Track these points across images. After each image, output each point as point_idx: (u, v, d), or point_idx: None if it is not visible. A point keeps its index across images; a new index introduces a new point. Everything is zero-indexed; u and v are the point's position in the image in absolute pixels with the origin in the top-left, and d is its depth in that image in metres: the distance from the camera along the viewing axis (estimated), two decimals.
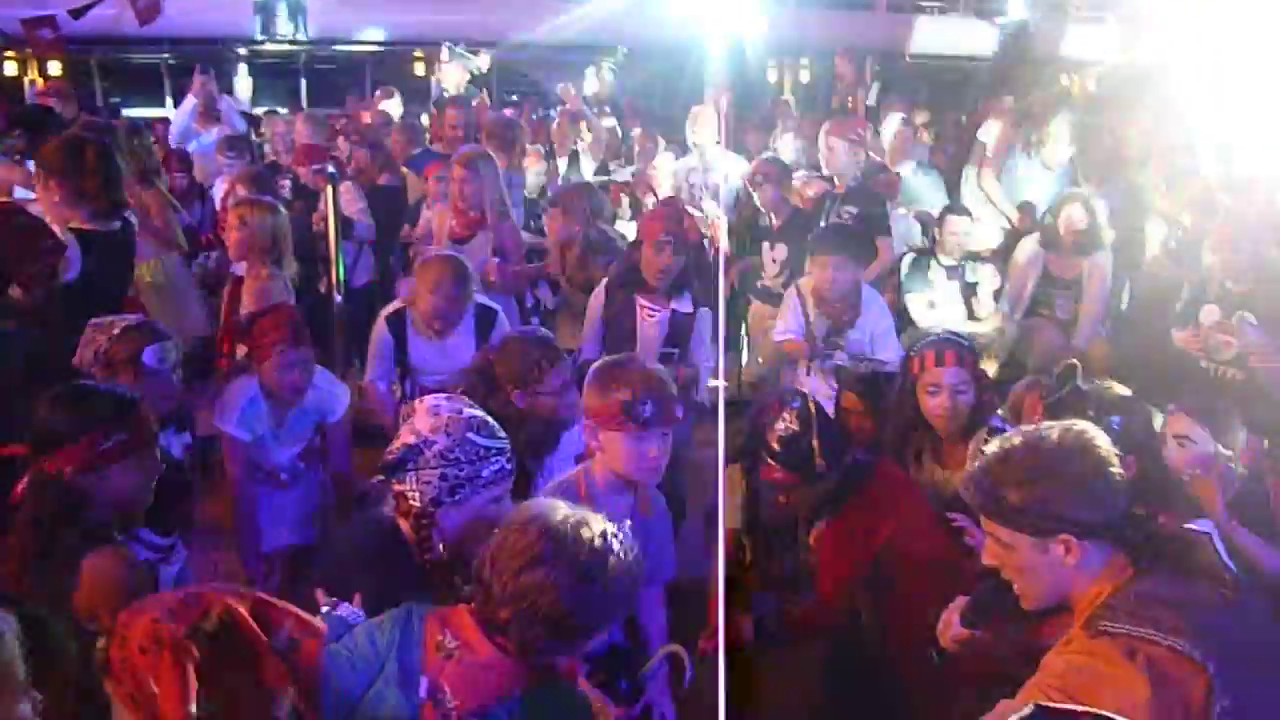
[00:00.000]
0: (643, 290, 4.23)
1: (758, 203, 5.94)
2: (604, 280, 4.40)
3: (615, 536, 1.92)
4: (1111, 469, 2.02)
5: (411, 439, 2.30)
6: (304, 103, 12.63)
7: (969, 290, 6.20)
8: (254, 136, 8.22)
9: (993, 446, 2.10)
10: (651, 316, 4.22)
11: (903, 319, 6.04)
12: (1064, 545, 1.99)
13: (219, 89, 7.92)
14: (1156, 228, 6.45)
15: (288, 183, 6.22)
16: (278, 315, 3.86)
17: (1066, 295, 6.17)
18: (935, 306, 6.12)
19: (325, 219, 5.48)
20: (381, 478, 2.39)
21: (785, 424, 3.01)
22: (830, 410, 4.34)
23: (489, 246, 5.11)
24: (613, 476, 2.76)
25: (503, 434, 2.38)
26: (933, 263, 6.25)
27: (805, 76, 9.93)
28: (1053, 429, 2.09)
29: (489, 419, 2.38)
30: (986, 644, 2.27)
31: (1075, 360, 3.38)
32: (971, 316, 6.17)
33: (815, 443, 2.96)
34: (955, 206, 6.47)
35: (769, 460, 3.02)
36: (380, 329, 4.34)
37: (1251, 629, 2.05)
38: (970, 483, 2.10)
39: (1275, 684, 1.95)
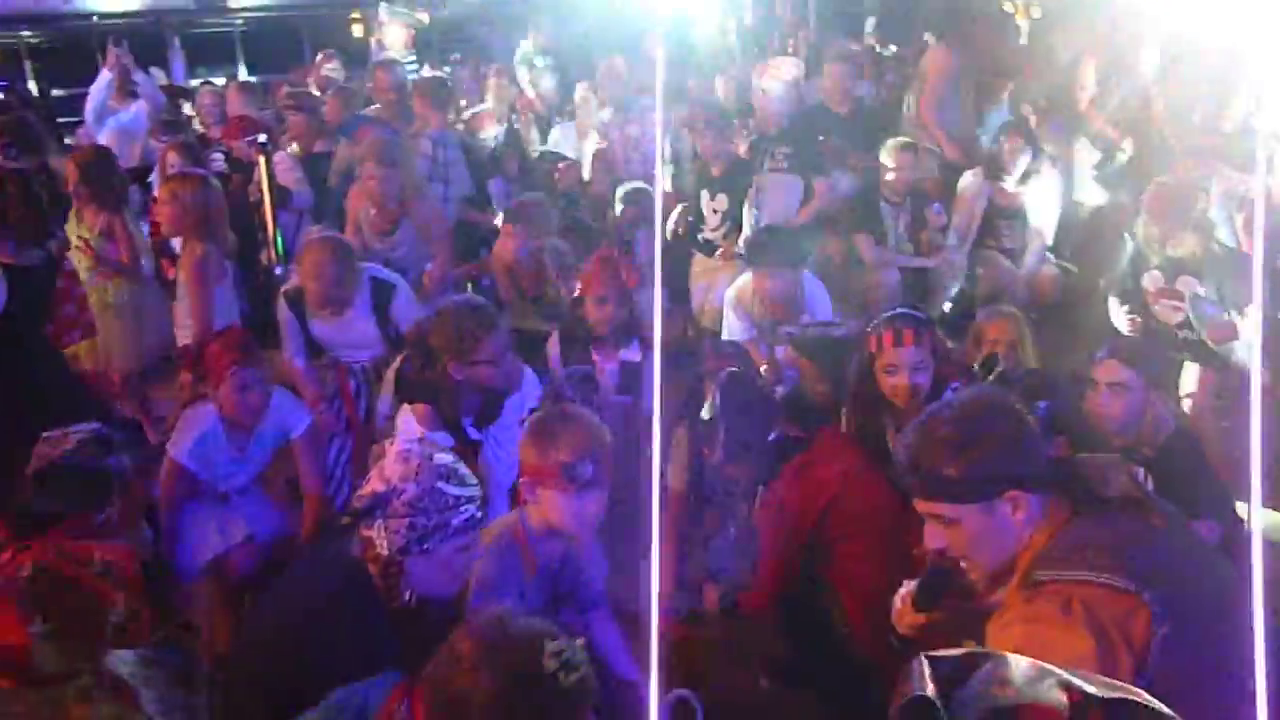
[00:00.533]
0: (592, 342, 4.25)
1: (698, 151, 5.89)
2: (555, 332, 4.41)
3: (562, 652, 1.79)
4: (1027, 419, 2.06)
5: (380, 486, 2.27)
6: (243, 73, 12.38)
7: (916, 226, 6.19)
8: (190, 111, 8.05)
9: (908, 433, 2.10)
10: (603, 370, 4.22)
11: (850, 257, 6.05)
12: (1011, 502, 2.00)
13: (154, 63, 7.74)
14: (1089, 152, 6.44)
15: (220, 156, 6.08)
16: (227, 338, 3.81)
17: (1012, 224, 6.19)
18: (882, 242, 6.11)
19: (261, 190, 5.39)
20: (348, 520, 2.36)
21: (705, 409, 3.10)
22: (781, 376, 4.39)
23: (414, 234, 5.06)
24: (549, 527, 2.73)
25: (473, 480, 2.35)
26: (880, 200, 6.23)
27: (749, 19, 9.80)
28: (960, 399, 2.10)
29: (459, 466, 2.35)
30: (943, 625, 2.26)
31: (996, 351, 3.38)
32: (918, 252, 6.16)
33: (723, 429, 3.04)
34: (898, 140, 6.44)
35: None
36: (282, 308, 4.32)
37: (1183, 554, 2.07)
38: (903, 471, 2.10)
39: (1213, 602, 1.95)
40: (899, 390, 3.17)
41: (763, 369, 4.33)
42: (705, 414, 3.18)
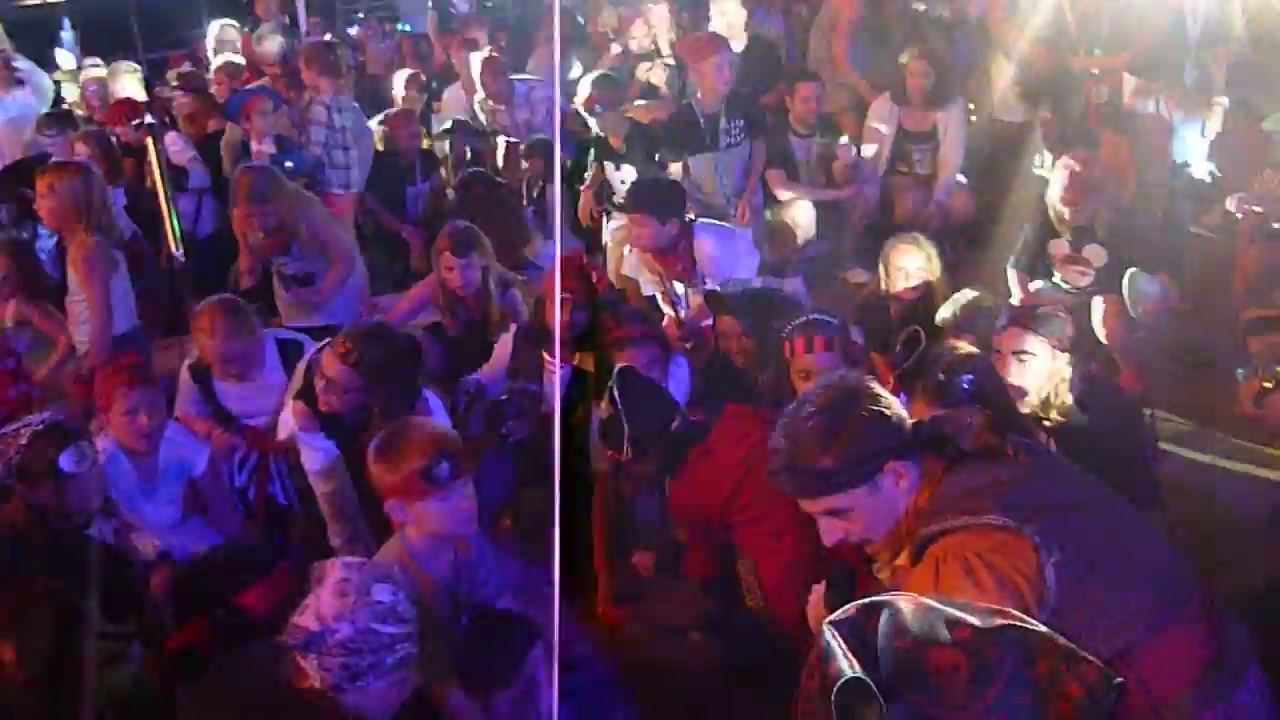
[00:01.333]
0: (547, 344, 4.11)
1: (595, 128, 5.70)
2: (514, 329, 4.26)
3: None
4: (882, 392, 2.09)
5: (314, 625, 2.17)
6: (139, 47, 11.93)
7: (827, 158, 6.14)
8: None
9: (776, 439, 2.11)
10: (554, 371, 4.05)
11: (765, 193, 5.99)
12: (892, 474, 2.03)
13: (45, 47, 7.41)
14: (1001, 67, 6.40)
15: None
16: (116, 361, 3.72)
17: (924, 149, 6.16)
18: (794, 177, 6.06)
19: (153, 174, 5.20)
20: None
21: (603, 407, 3.09)
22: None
23: (311, 249, 4.87)
24: (430, 539, 2.71)
25: (409, 616, 2.25)
26: (789, 134, 6.18)
27: None
28: (814, 392, 2.13)
29: (398, 603, 2.23)
30: None
31: (918, 328, 3.38)
32: (830, 183, 6.12)
33: (625, 424, 3.03)
34: (804, 74, 6.37)
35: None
36: (184, 377, 4.12)
37: (1060, 487, 2.10)
38: (779, 478, 2.12)
39: (1096, 527, 2.00)
40: None
41: (668, 324, 4.24)
42: (604, 413, 3.13)
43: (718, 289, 4.31)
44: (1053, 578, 1.86)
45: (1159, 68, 5.80)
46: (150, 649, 2.86)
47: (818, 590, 2.31)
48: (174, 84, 6.36)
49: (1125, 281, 4.57)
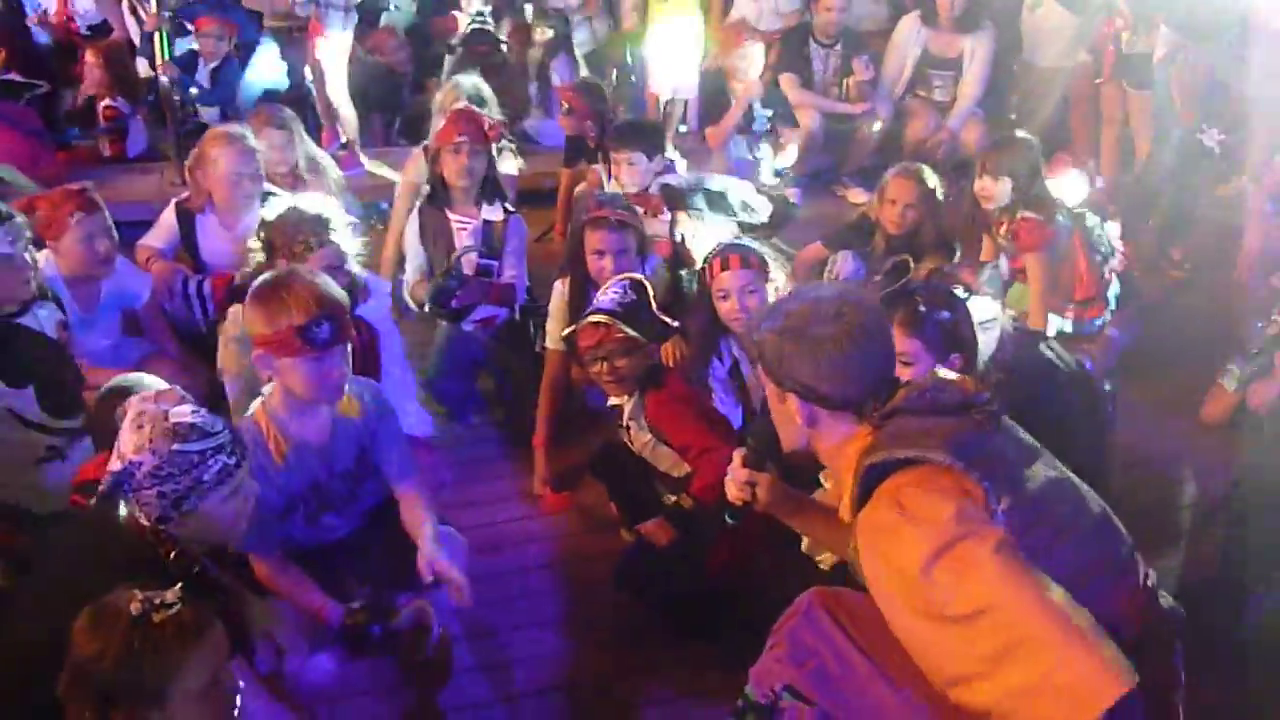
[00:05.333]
0: (451, 204, 3.98)
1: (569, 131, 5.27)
2: (417, 207, 4.10)
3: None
4: (861, 343, 1.93)
5: (118, 464, 2.12)
6: None
7: (845, 71, 5.95)
8: None
9: (779, 317, 2.01)
10: (464, 229, 3.96)
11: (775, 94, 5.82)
12: (795, 404, 1.98)
13: None
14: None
15: None
16: (67, 188, 3.55)
17: (946, 76, 5.98)
18: (808, 85, 5.89)
19: None
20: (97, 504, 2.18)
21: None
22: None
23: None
24: (293, 400, 2.55)
25: (218, 428, 2.17)
26: (811, 41, 5.97)
27: None
28: (827, 290, 2.04)
29: (198, 419, 2.15)
30: (771, 491, 2.23)
31: (907, 256, 3.33)
32: (844, 97, 5.95)
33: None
34: None
35: None
36: (167, 215, 4.01)
37: (1011, 442, 1.99)
38: (746, 329, 2.10)
39: (1046, 484, 1.91)
40: (731, 314, 3.28)
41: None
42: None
43: (671, 182, 4.22)
44: (1003, 521, 1.79)
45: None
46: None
47: (739, 453, 2.24)
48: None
49: None
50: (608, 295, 3.15)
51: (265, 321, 2.43)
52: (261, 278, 2.53)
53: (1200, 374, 4.06)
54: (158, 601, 1.75)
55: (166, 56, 5.30)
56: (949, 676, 1.78)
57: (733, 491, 2.22)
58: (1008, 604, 1.70)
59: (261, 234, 3.21)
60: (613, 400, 3.19)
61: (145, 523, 2.11)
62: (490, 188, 4.02)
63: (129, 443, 2.12)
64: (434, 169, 4.00)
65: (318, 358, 2.44)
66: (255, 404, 2.64)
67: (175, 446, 2.11)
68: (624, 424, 3.15)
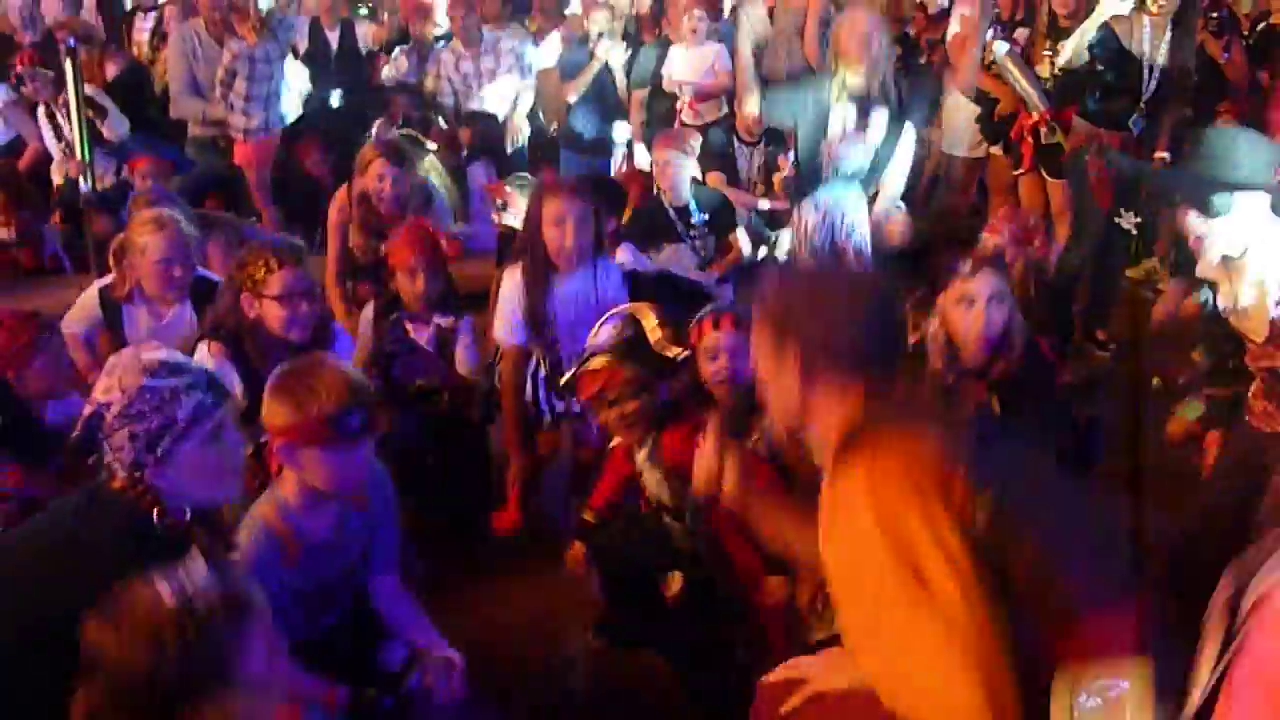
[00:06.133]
0: (407, 313, 3.97)
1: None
2: (370, 303, 4.12)
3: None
4: (876, 302, 1.90)
5: (88, 410, 2.02)
6: None
7: (770, 168, 6.07)
8: None
9: (783, 285, 2.01)
10: (420, 335, 3.94)
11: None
12: (793, 366, 1.89)
13: None
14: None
15: None
16: (14, 313, 3.38)
17: None
18: (735, 183, 5.97)
19: None
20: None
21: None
22: None
23: None
24: (312, 492, 2.42)
25: (192, 367, 2.07)
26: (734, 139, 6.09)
27: None
28: (841, 268, 2.12)
29: (171, 357, 2.06)
30: (741, 472, 2.16)
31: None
32: (769, 194, 6.06)
33: None
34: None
35: None
36: (90, 296, 3.90)
37: (1005, 449, 1.94)
38: (753, 300, 2.02)
39: (1033, 479, 1.87)
40: (719, 373, 3.02)
41: None
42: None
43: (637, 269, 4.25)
44: (987, 509, 1.73)
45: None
46: None
47: (712, 419, 2.19)
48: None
49: None
50: (600, 335, 3.03)
51: (293, 410, 2.30)
52: (282, 367, 2.42)
53: None
54: (184, 584, 1.63)
55: (87, 159, 5.22)
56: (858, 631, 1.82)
57: (700, 472, 2.11)
58: (949, 599, 1.68)
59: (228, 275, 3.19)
60: (616, 441, 3.06)
61: (121, 473, 1.98)
62: (444, 299, 3.97)
63: (100, 387, 2.01)
64: (389, 283, 3.96)
65: (347, 449, 2.33)
66: (260, 503, 2.46)
67: (144, 383, 1.98)
68: (636, 472, 3.00)
